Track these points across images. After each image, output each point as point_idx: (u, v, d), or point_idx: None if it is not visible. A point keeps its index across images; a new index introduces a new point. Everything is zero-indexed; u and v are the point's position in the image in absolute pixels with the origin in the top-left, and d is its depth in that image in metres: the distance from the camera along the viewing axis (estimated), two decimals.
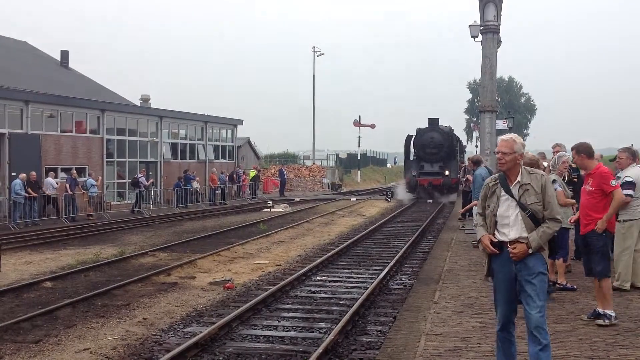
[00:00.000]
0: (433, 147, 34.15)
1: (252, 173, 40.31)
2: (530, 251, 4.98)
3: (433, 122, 35.09)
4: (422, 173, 34.18)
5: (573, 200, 9.17)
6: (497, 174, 5.30)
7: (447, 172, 33.34)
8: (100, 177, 27.28)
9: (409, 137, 36.25)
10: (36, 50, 41.11)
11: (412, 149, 35.94)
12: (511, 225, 5.05)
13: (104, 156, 30.05)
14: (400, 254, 14.45)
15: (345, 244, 16.65)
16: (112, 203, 28.80)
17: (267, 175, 46.70)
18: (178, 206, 30.01)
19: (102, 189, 27.27)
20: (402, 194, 35.62)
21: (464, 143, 51.30)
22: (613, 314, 7.16)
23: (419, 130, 35.20)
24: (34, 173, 23.58)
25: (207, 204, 32.75)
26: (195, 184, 32.50)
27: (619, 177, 9.67)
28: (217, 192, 34.45)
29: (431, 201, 32.47)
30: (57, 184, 24.86)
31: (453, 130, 37.64)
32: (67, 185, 24.51)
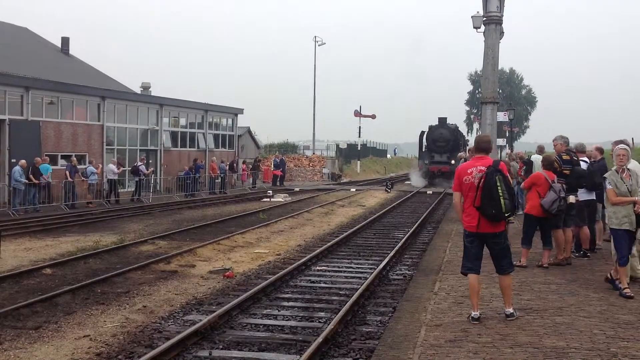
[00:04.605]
0: (442, 141, 41.04)
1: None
2: None
3: (442, 120, 42.22)
4: (432, 162, 40.88)
5: (630, 199, 8.09)
6: None
7: (452, 162, 38.90)
8: (100, 165, 27.25)
9: (422, 133, 42.99)
10: (37, 37, 40.95)
11: (424, 142, 42.66)
12: None
13: (104, 144, 29.99)
14: (400, 244, 14.45)
15: (345, 234, 16.65)
16: (107, 191, 28.74)
17: (267, 165, 46.65)
18: (184, 194, 29.98)
19: (102, 177, 27.24)
20: (419, 180, 41.27)
21: (467, 137, 56.29)
22: None
23: (431, 127, 42.23)
24: (38, 159, 23.57)
25: (207, 192, 32.75)
26: None
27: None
28: (217, 181, 34.44)
29: (431, 192, 33.33)
30: (117, 169, 26.96)
31: (458, 127, 45.21)
32: (67, 173, 24.51)
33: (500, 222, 6.95)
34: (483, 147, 7.26)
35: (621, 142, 9.73)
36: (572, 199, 10.33)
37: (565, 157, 10.46)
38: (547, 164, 10.38)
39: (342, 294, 10.14)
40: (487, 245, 7.08)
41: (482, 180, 6.88)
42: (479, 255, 7.12)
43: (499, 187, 6.81)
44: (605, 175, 8.49)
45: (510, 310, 7.15)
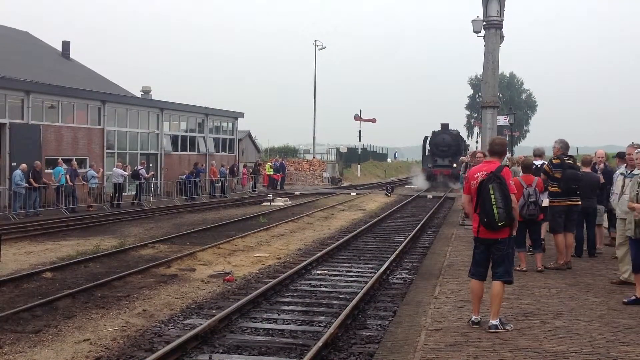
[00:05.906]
0: (444, 146, 43.24)
1: (269, 167, 41.68)
2: None
3: (444, 126, 44.77)
4: (435, 165, 43.08)
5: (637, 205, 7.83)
6: None
7: (454, 165, 41.23)
8: (101, 169, 27.25)
9: (425, 138, 45.44)
10: (37, 41, 40.99)
11: (427, 147, 44.95)
12: None
13: (105, 147, 30.01)
14: (400, 248, 14.45)
15: (345, 238, 16.64)
16: (112, 194, 28.78)
17: (265, 170, 46.64)
18: (184, 198, 30.00)
19: (103, 181, 27.26)
20: (421, 183, 43.65)
21: (468, 142, 58.55)
22: None
23: (434, 133, 44.57)
24: (38, 163, 23.60)
25: (208, 196, 32.75)
26: None
27: (622, 174, 9.64)
28: (217, 184, 34.42)
29: (431, 197, 33.49)
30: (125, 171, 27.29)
31: (459, 133, 47.89)
32: (67, 176, 24.51)
33: (499, 230, 6.72)
34: (495, 150, 7.02)
35: (639, 146, 9.72)
36: (546, 202, 10.43)
37: (555, 160, 10.47)
38: (524, 167, 10.57)
39: (342, 298, 10.13)
40: (491, 251, 6.95)
41: (480, 187, 6.75)
42: (483, 261, 6.96)
43: (492, 196, 6.61)
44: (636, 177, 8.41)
45: (495, 322, 6.80)
